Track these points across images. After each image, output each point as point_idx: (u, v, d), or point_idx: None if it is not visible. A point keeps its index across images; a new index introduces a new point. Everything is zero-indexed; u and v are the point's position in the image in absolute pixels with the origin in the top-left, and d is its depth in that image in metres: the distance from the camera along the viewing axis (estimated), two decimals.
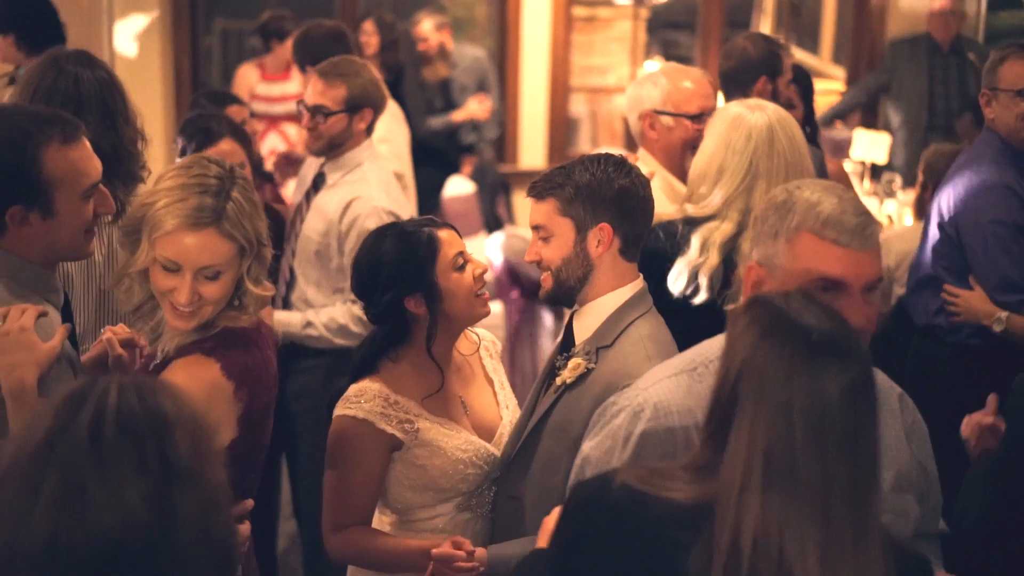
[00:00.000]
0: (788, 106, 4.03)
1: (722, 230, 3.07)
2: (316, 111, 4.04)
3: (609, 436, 2.17)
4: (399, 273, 2.68)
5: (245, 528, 2.46)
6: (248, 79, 6.96)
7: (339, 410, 2.69)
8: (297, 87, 6.91)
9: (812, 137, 4.38)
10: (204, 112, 4.18)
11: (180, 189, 2.37)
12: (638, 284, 2.67)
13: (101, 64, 3.24)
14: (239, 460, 2.43)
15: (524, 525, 2.64)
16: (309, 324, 4.04)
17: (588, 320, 2.65)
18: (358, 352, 2.82)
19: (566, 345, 2.68)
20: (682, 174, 3.54)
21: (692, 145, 3.51)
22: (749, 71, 4.05)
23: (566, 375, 2.59)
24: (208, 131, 3.98)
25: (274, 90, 7.04)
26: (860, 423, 1.68)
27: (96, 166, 2.47)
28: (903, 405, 2.28)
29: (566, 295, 2.68)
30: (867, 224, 2.07)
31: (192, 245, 2.36)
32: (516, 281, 6.16)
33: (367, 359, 2.76)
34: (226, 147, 3.92)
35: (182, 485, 1.30)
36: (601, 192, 2.60)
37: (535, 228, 2.69)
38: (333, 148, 4.10)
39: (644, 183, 2.69)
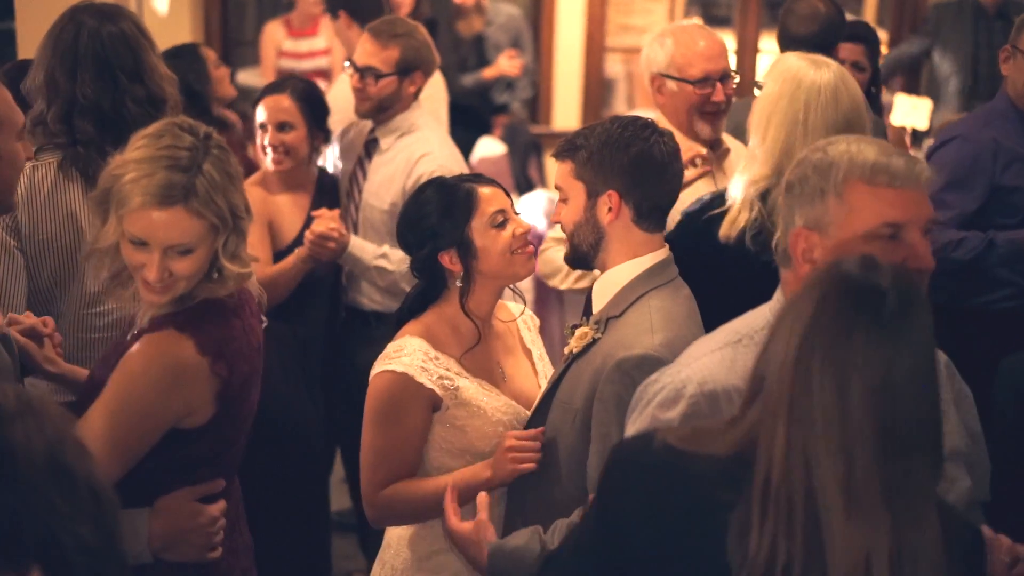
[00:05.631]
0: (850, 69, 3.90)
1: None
2: (366, 72, 3.95)
3: (650, 417, 2.09)
4: (434, 228, 2.65)
5: (217, 507, 2.39)
6: (275, 36, 6.91)
7: (378, 367, 2.63)
8: (324, 42, 6.84)
9: (876, 101, 4.23)
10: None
11: (148, 162, 2.25)
12: (659, 255, 2.57)
13: (125, 18, 3.09)
14: (218, 436, 2.38)
15: (528, 496, 2.60)
16: (383, 256, 3.93)
17: (604, 289, 2.58)
18: (399, 311, 2.77)
19: (588, 314, 2.63)
20: (695, 138, 3.42)
21: (699, 110, 3.39)
22: (836, 34, 3.89)
23: (573, 344, 2.55)
24: (279, 84, 4.04)
25: (301, 46, 6.97)
26: (926, 392, 1.63)
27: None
28: (949, 372, 2.23)
29: (581, 260, 2.62)
30: (915, 163, 2.01)
31: (160, 223, 2.24)
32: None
33: (406, 316, 2.72)
34: (285, 103, 3.91)
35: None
36: (613, 157, 2.51)
37: (557, 188, 2.64)
38: (381, 111, 4.03)
39: (668, 151, 2.55)
